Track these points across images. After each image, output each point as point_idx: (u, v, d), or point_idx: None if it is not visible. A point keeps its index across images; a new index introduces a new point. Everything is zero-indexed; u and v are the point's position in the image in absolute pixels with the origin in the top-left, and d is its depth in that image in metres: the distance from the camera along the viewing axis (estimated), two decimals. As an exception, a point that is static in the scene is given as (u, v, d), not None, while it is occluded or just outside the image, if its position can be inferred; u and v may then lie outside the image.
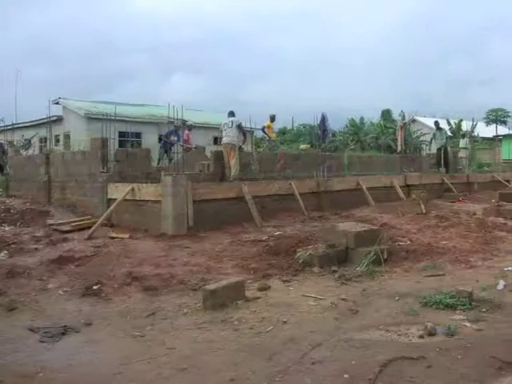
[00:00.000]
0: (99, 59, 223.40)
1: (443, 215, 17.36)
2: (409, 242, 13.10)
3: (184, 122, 23.15)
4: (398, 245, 12.71)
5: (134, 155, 17.98)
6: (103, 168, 17.49)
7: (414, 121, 60.51)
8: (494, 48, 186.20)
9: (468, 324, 7.28)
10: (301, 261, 11.22)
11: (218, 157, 19.01)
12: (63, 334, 7.63)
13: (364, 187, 21.16)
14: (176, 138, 23.83)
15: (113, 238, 14.11)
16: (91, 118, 35.72)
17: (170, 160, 23.65)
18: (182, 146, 23.34)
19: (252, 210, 16.23)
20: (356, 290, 9.43)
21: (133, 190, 15.64)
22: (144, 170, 17.85)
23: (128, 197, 15.63)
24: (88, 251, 12.63)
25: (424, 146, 46.16)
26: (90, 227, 14.96)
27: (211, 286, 8.81)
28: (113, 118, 18.59)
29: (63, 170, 20.62)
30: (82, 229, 15.19)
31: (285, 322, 7.75)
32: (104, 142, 17.69)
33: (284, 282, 10.18)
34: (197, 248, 12.94)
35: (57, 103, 40.60)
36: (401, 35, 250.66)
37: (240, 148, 19.41)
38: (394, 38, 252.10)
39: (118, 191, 16.27)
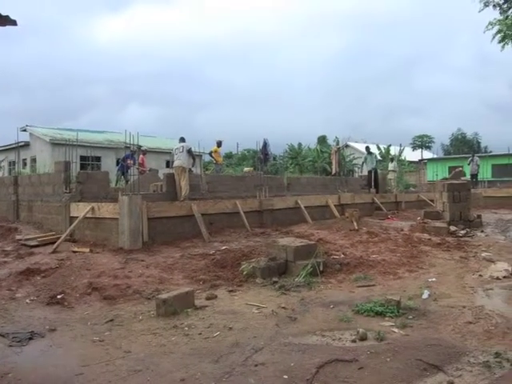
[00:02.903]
0: (64, 90, 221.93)
1: (374, 231, 17.49)
2: (342, 256, 13.20)
3: (139, 147, 23.04)
4: (333, 258, 12.77)
5: (94, 177, 17.82)
6: (66, 189, 17.33)
7: (347, 146, 61.37)
8: (420, 80, 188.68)
9: (396, 330, 7.43)
10: (245, 273, 11.26)
11: (170, 179, 18.91)
12: (30, 338, 7.58)
13: (302, 206, 21.18)
14: (132, 162, 23.74)
15: (75, 252, 13.92)
16: (55, 144, 35.70)
17: (127, 181, 23.55)
18: (138, 168, 23.21)
19: (201, 227, 16.18)
20: (295, 299, 9.48)
21: (93, 208, 15.55)
22: (103, 190, 17.71)
23: (88, 215, 15.53)
24: (52, 264, 12.48)
25: (356, 169, 46.68)
26: (54, 242, 14.81)
27: (164, 296, 8.81)
28: (75, 143, 18.46)
29: (30, 190, 20.43)
30: (47, 244, 15.01)
31: (230, 328, 7.78)
32: (67, 166, 17.51)
33: (230, 291, 10.19)
34: (151, 261, 12.85)
35: (24, 130, 40.64)
36: (336, 67, 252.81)
37: (190, 170, 19.35)
38: (329, 69, 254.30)
39: (80, 210, 16.11)
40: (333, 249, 14.04)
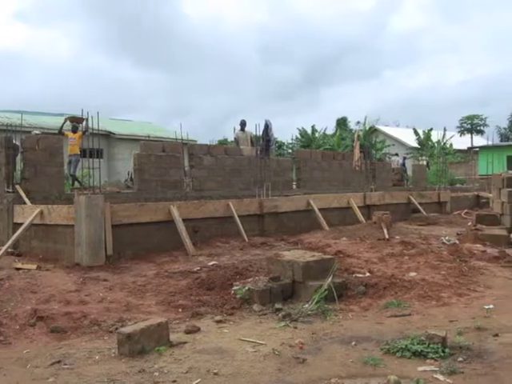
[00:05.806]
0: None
1: (410, 241, 17.30)
2: (368, 274, 13.05)
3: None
4: (356, 277, 12.66)
5: (45, 172, 17.64)
6: (8, 187, 17.16)
7: (375, 130, 61.57)
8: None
9: (441, 377, 7.01)
10: (238, 297, 11.14)
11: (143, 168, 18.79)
12: None
13: (316, 208, 21.11)
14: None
15: (18, 269, 13.80)
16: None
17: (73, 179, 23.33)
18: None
19: (182, 236, 16.07)
20: (304, 333, 9.22)
21: (42, 212, 15.40)
22: (56, 189, 17.61)
23: (37, 221, 15.37)
24: (-13, 286, 12.28)
25: (387, 159, 46.60)
26: (-9, 257, 14.61)
27: (128, 329, 8.53)
28: (26, 128, 18.33)
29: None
30: (-18, 259, 14.82)
31: (216, 373, 7.44)
32: (9, 157, 17.31)
33: (217, 322, 9.96)
34: (115, 281, 12.78)
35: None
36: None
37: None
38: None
39: (26, 214, 15.97)
40: (356, 265, 13.91)
